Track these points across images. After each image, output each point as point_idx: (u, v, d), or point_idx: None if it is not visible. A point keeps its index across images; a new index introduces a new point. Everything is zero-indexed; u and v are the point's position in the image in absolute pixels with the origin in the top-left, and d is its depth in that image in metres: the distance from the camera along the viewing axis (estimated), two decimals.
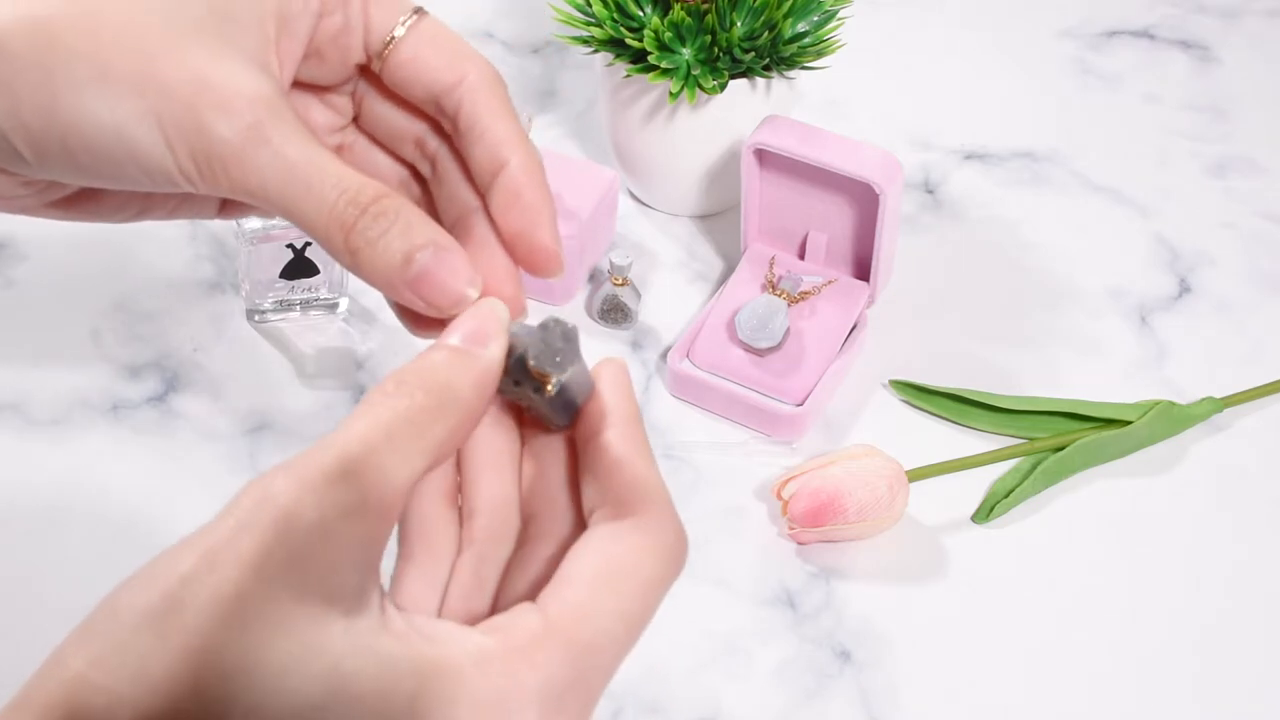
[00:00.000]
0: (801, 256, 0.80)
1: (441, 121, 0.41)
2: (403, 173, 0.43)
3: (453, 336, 0.36)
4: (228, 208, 0.44)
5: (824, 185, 0.77)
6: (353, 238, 0.38)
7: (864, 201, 0.76)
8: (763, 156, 0.77)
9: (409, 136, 0.43)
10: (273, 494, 0.32)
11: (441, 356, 0.35)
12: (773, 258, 0.80)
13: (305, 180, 0.37)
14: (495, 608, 0.38)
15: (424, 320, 0.39)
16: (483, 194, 0.41)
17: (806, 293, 0.78)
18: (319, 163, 0.38)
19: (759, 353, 0.76)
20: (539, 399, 0.38)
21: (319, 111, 0.43)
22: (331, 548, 0.32)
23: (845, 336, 0.77)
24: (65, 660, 0.31)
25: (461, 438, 0.35)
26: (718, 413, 0.76)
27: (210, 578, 0.31)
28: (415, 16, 0.41)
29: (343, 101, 0.43)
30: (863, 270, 0.79)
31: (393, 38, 0.41)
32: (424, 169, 0.43)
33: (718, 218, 0.86)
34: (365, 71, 0.42)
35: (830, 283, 0.78)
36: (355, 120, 0.44)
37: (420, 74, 0.41)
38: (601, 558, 0.35)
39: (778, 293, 0.77)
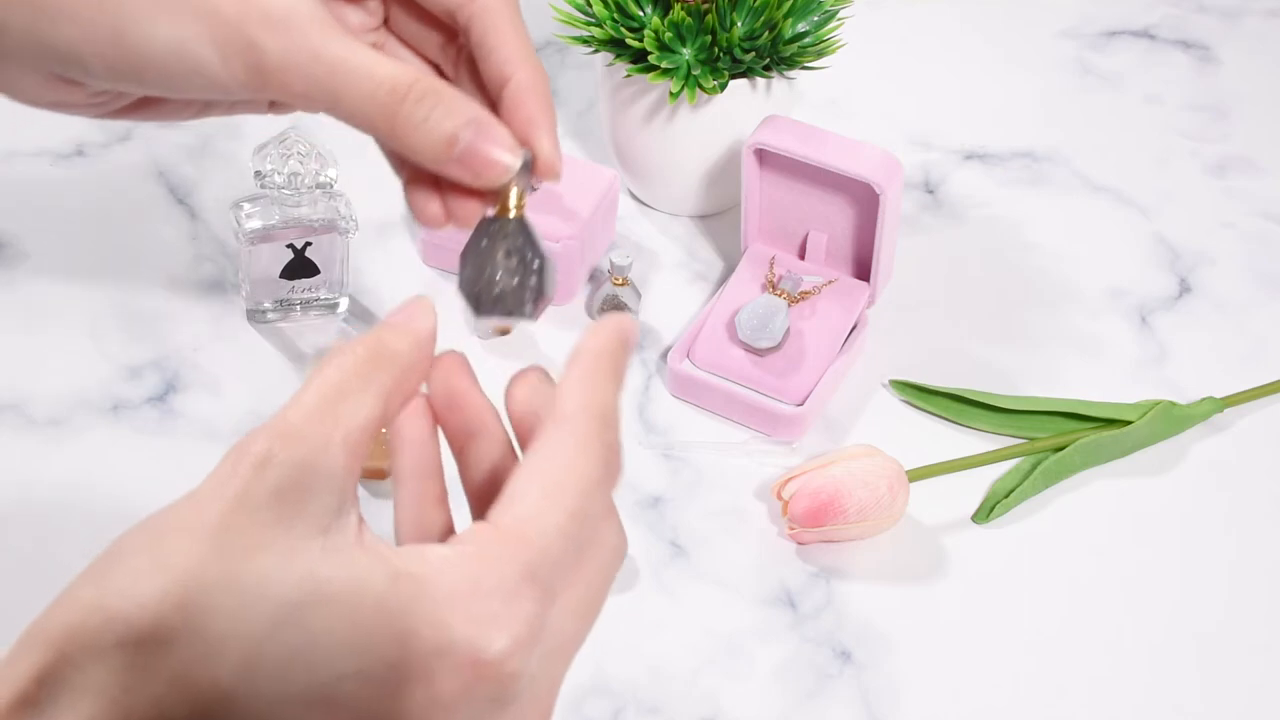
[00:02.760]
0: (802, 256, 0.80)
1: (456, 34, 0.46)
2: (430, 70, 0.47)
3: (390, 318, 0.40)
4: (276, 106, 0.48)
5: (824, 185, 0.77)
6: (399, 124, 0.42)
7: (864, 201, 0.76)
8: (763, 156, 0.77)
9: (433, 41, 0.47)
10: (249, 446, 0.36)
11: (381, 327, 0.40)
12: (773, 258, 0.79)
13: (346, 77, 0.42)
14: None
15: (443, 198, 0.45)
16: (493, 101, 0.45)
17: (807, 293, 0.77)
18: (356, 60, 0.42)
19: (759, 353, 0.75)
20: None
21: (353, 14, 0.47)
22: (306, 480, 0.36)
23: (845, 336, 0.77)
24: (73, 593, 0.35)
25: (410, 384, 0.40)
26: (718, 413, 0.76)
27: (198, 514, 0.36)
28: None
29: (374, 4, 0.48)
30: (863, 270, 0.79)
31: None
32: (447, 69, 0.47)
33: (718, 218, 0.86)
34: None
35: (830, 283, 0.78)
36: (385, 23, 0.48)
37: None
38: (540, 466, 0.38)
39: (778, 293, 0.77)
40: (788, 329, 0.75)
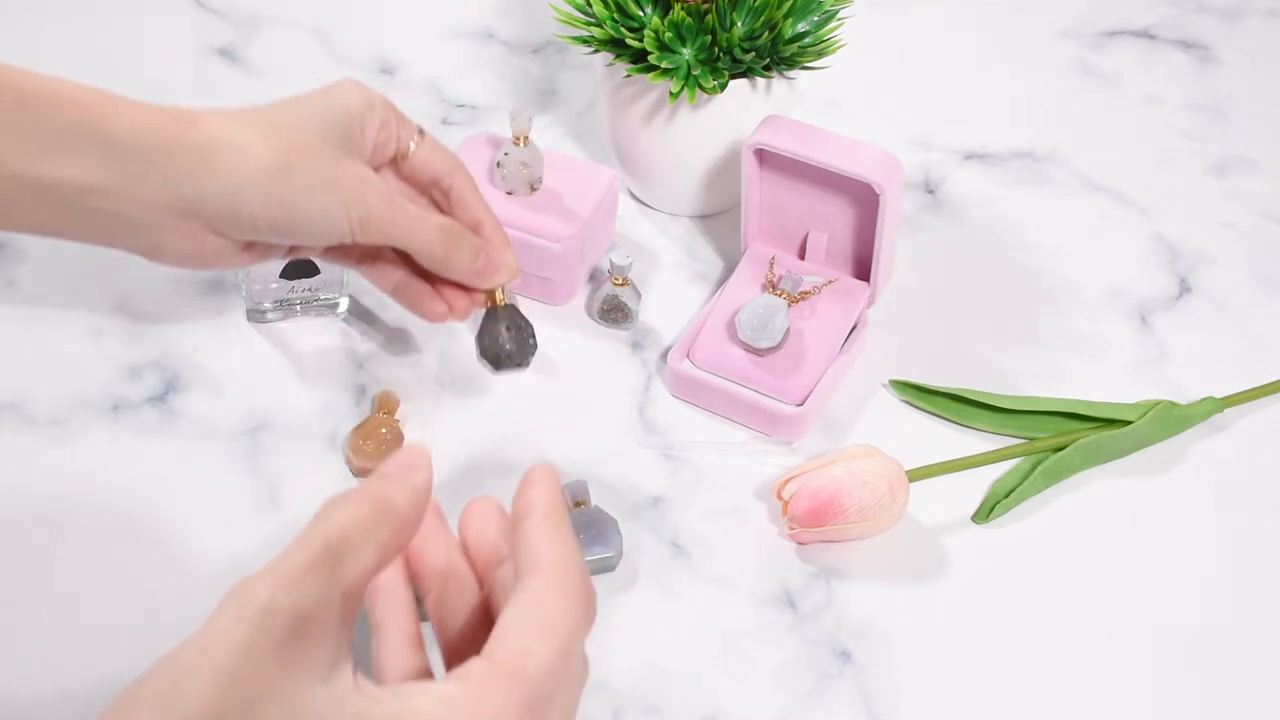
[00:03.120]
0: (802, 256, 0.80)
1: (434, 193, 0.66)
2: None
3: (389, 468, 0.46)
4: (347, 250, 0.67)
5: (824, 185, 0.77)
6: (449, 252, 0.64)
7: (864, 201, 0.76)
8: (763, 156, 0.77)
9: (424, 199, 0.67)
10: (254, 591, 0.40)
11: (381, 480, 0.45)
12: (773, 258, 0.79)
13: (417, 225, 0.63)
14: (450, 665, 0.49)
15: (448, 297, 0.67)
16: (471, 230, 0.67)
17: (807, 293, 0.77)
18: (421, 215, 0.63)
19: (759, 353, 0.75)
20: None
21: (396, 183, 0.67)
22: (308, 629, 0.40)
23: (845, 337, 0.77)
24: None
25: (405, 538, 0.45)
26: (718, 412, 0.76)
27: (207, 663, 0.38)
28: (420, 136, 0.65)
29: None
30: (863, 270, 0.79)
31: (410, 147, 0.65)
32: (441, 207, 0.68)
33: (718, 218, 0.86)
34: (394, 162, 0.66)
35: (830, 283, 0.78)
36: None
37: (426, 167, 0.65)
38: (529, 609, 0.44)
39: (778, 293, 0.77)
40: (788, 329, 0.75)
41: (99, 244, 0.59)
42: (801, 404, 0.74)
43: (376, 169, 0.64)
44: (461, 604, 0.49)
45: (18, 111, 0.54)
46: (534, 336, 0.69)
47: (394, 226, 0.62)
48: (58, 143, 0.54)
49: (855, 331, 0.78)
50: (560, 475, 0.49)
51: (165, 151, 0.56)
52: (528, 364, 0.69)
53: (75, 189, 0.55)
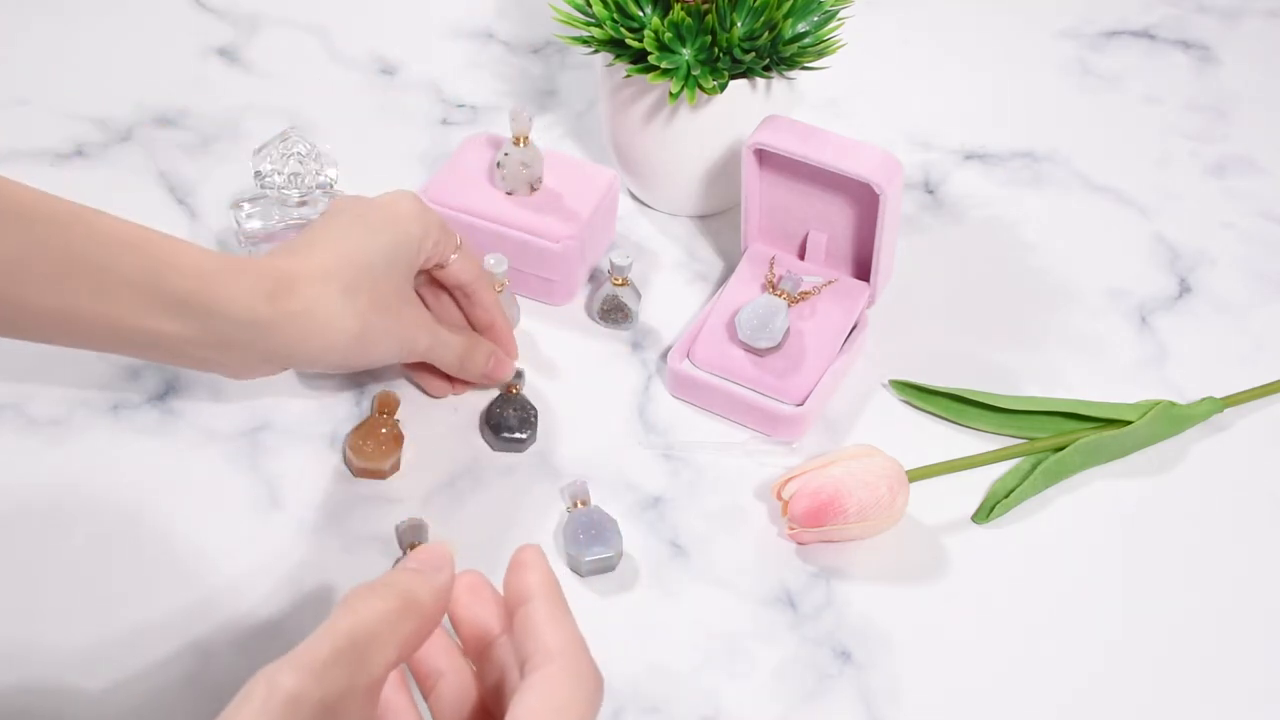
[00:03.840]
0: (801, 256, 0.80)
1: (458, 294, 0.74)
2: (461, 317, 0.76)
3: (413, 563, 0.47)
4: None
5: (824, 185, 0.77)
6: (465, 363, 0.73)
7: (864, 201, 0.76)
8: (762, 156, 0.77)
9: (446, 295, 0.75)
10: (279, 683, 0.40)
11: (408, 575, 0.47)
12: (773, 258, 0.79)
13: (446, 351, 0.72)
14: None
15: (453, 383, 0.76)
16: (482, 327, 0.76)
17: (806, 293, 0.77)
18: (449, 336, 0.72)
19: (759, 353, 0.75)
20: None
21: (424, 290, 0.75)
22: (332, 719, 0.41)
23: (845, 337, 0.77)
24: None
25: (425, 635, 0.46)
26: (718, 413, 0.76)
27: None
28: (458, 249, 0.72)
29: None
30: (863, 270, 0.79)
31: (450, 259, 0.72)
32: (461, 303, 0.76)
33: (718, 218, 0.86)
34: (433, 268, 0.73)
35: (830, 283, 0.78)
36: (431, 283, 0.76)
37: (457, 275, 0.73)
38: (539, 698, 0.44)
39: (778, 293, 0.77)
40: (787, 329, 0.75)
41: (186, 367, 0.68)
42: (801, 404, 0.74)
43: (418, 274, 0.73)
44: (463, 698, 0.51)
45: (142, 275, 0.60)
46: (536, 419, 0.74)
47: (430, 354, 0.71)
48: (173, 309, 0.61)
49: (855, 331, 0.78)
50: (545, 558, 0.50)
51: (265, 325, 0.63)
52: (526, 447, 0.74)
53: (182, 340, 0.62)
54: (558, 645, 0.46)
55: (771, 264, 0.79)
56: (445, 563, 0.48)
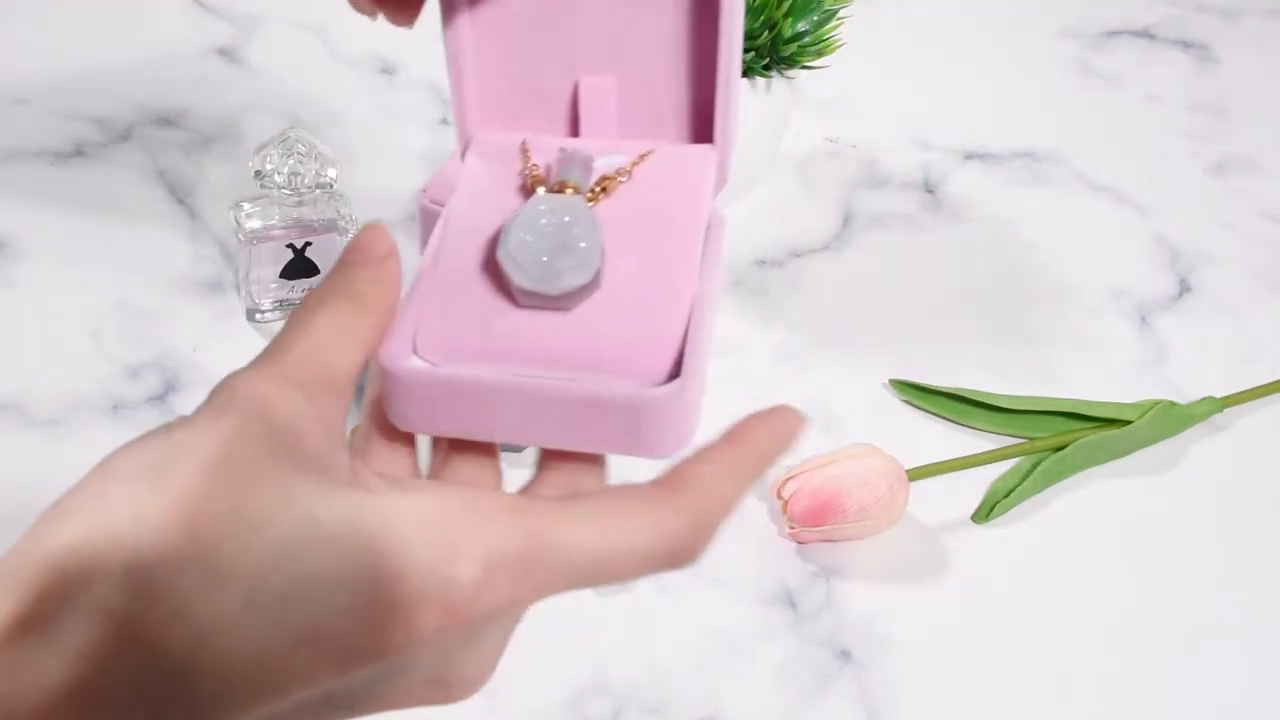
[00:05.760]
0: (575, 131, 0.47)
1: None
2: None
3: (353, 255, 0.42)
4: None
5: None
6: None
7: (680, 5, 0.44)
8: None
9: None
10: (244, 389, 0.38)
11: (352, 271, 0.42)
12: (523, 144, 0.46)
13: None
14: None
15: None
16: None
17: (610, 178, 0.44)
18: None
19: (558, 303, 0.41)
20: None
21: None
22: (300, 423, 0.37)
23: (700, 243, 0.44)
24: (68, 512, 0.37)
25: (383, 329, 0.41)
26: (503, 439, 0.40)
27: (198, 444, 0.36)
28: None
29: None
30: (697, 125, 0.46)
31: None
32: None
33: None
34: None
35: (644, 156, 0.45)
36: None
37: None
38: (616, 506, 0.37)
39: (561, 188, 0.43)
40: (602, 247, 0.41)
41: None
42: (669, 379, 0.40)
43: None
44: None
45: None
46: None
47: None
48: None
49: (709, 234, 0.44)
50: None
51: None
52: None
53: None
54: (709, 501, 0.38)
55: (525, 153, 0.45)
56: (387, 247, 0.42)
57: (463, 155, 0.46)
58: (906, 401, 0.77)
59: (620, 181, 0.44)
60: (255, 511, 0.35)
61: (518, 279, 0.41)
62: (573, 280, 0.40)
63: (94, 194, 0.84)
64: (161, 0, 0.98)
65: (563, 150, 0.44)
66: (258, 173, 0.74)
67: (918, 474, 0.71)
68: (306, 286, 0.77)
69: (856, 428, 0.76)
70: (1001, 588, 0.70)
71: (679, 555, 0.38)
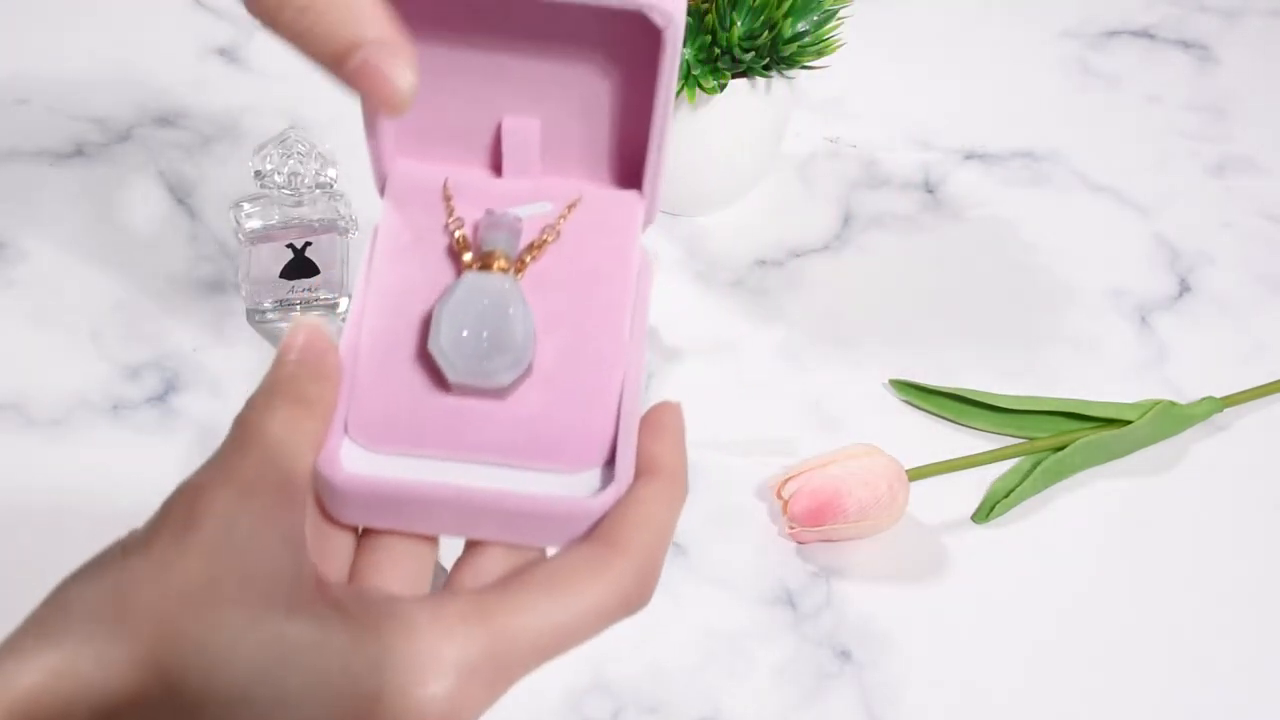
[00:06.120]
0: (498, 168, 0.45)
1: None
2: None
3: (292, 354, 0.41)
4: None
5: (526, 30, 0.42)
6: None
7: (617, 44, 0.42)
8: None
9: None
10: (201, 505, 0.37)
11: (293, 369, 0.41)
12: (445, 186, 0.44)
13: None
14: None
15: None
16: None
17: (537, 246, 0.43)
18: None
19: (491, 393, 0.41)
20: None
21: None
22: (261, 538, 0.36)
23: (630, 305, 0.43)
24: (28, 654, 0.34)
25: (324, 426, 0.40)
26: (443, 533, 0.41)
27: (159, 574, 0.35)
28: None
29: None
30: (624, 166, 0.45)
31: None
32: None
33: (718, 217, 0.86)
34: None
35: (572, 208, 0.44)
36: None
37: None
38: (565, 577, 0.38)
39: (488, 261, 0.41)
40: (534, 335, 0.41)
41: None
42: (609, 462, 0.41)
43: None
44: None
45: None
46: None
47: None
48: None
49: (639, 282, 0.43)
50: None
51: None
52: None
53: None
54: (641, 543, 0.39)
55: (448, 199, 0.44)
56: (325, 344, 0.41)
57: (380, 189, 0.45)
58: (906, 401, 0.77)
59: (548, 242, 0.43)
60: (223, 640, 0.34)
61: (451, 375, 0.40)
62: (506, 377, 0.40)
63: (94, 194, 0.84)
64: (161, 0, 0.98)
65: (489, 214, 0.43)
66: (258, 173, 0.74)
67: (918, 474, 0.71)
68: (307, 286, 0.77)
69: (856, 428, 0.76)
70: (1001, 588, 0.70)
71: (633, 603, 0.39)
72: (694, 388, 0.77)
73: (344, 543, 0.42)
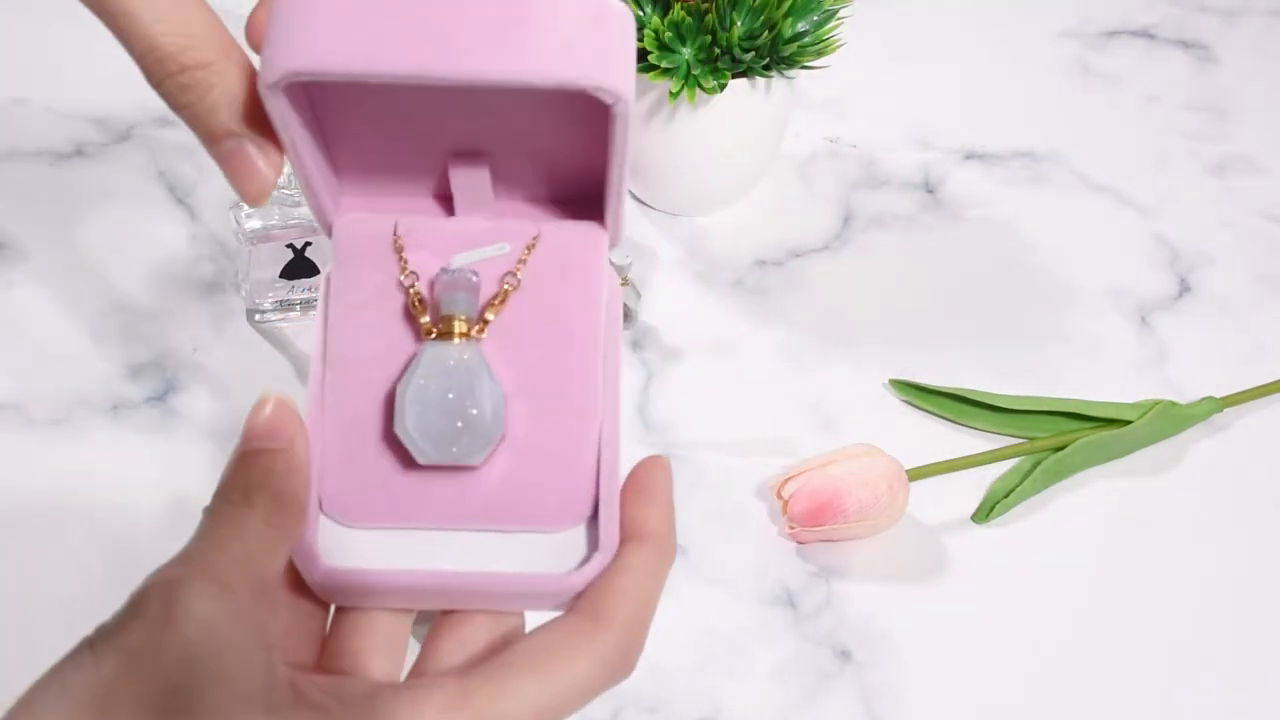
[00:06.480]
0: (449, 207, 0.43)
1: None
2: None
3: (257, 442, 0.40)
4: None
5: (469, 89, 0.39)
6: None
7: (565, 102, 0.39)
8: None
9: None
10: (180, 605, 0.35)
11: (265, 460, 0.39)
12: (395, 235, 0.42)
13: None
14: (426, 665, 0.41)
15: None
16: None
17: (497, 304, 0.41)
18: None
19: (468, 466, 0.40)
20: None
21: None
22: (238, 637, 0.35)
23: (601, 346, 0.41)
24: None
25: (300, 522, 0.39)
26: (427, 608, 0.41)
27: (135, 682, 0.34)
28: None
29: None
30: (580, 198, 0.43)
31: None
32: None
33: (718, 218, 0.86)
34: None
35: (531, 247, 0.42)
36: None
37: None
38: (549, 652, 0.38)
39: (448, 326, 0.40)
40: (503, 402, 0.40)
41: None
42: (593, 515, 0.41)
43: None
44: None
45: None
46: None
47: None
48: None
49: (608, 310, 0.42)
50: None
51: None
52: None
53: None
54: (625, 618, 0.39)
55: (400, 251, 0.42)
56: (295, 425, 0.40)
57: (327, 232, 0.43)
58: (906, 401, 0.77)
59: (509, 292, 0.41)
60: None
61: (420, 459, 0.39)
62: (478, 457, 0.39)
63: (94, 194, 0.84)
64: None
65: (445, 273, 0.40)
66: None
67: (918, 474, 0.71)
68: (307, 286, 0.77)
69: (856, 428, 0.76)
70: (1001, 588, 0.70)
71: (618, 674, 0.39)
72: (694, 388, 0.77)
73: (319, 609, 0.42)
